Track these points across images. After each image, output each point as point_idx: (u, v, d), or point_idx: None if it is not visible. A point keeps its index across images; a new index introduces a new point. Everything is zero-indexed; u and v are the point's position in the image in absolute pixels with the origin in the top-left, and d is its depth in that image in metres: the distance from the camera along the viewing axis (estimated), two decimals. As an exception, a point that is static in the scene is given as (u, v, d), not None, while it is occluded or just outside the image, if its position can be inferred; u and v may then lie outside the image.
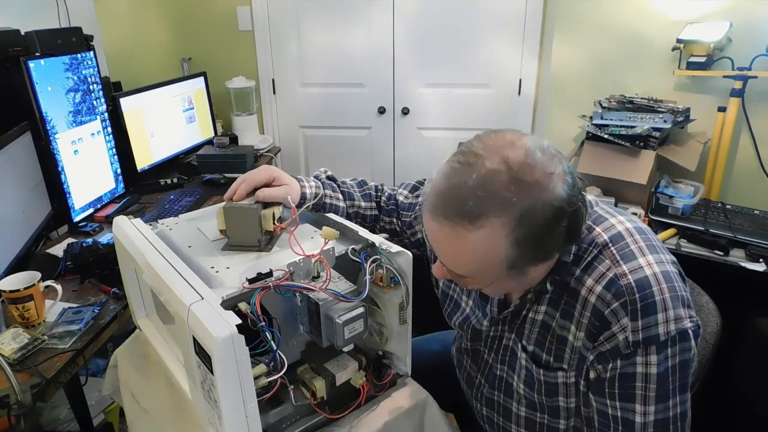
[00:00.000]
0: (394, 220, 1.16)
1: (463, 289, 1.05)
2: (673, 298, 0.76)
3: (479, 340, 1.04)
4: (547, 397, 0.92)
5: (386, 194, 1.17)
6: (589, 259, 0.81)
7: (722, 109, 1.99)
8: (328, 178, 1.16)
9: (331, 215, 1.06)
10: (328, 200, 1.11)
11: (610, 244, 0.81)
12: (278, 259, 0.91)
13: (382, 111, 2.88)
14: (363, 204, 1.15)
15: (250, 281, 0.83)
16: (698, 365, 1.11)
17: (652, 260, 0.78)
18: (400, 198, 1.16)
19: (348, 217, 1.13)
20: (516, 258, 0.75)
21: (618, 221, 0.84)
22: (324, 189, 1.10)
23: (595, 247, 0.81)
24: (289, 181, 1.03)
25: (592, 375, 0.83)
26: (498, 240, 0.72)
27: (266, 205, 0.97)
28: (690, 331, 0.76)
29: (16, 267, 1.40)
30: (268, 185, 1.00)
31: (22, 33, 1.65)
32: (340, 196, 1.13)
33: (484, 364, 1.04)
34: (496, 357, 1.00)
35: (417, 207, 1.12)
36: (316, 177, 1.14)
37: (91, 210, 1.84)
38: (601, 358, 0.80)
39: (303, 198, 1.06)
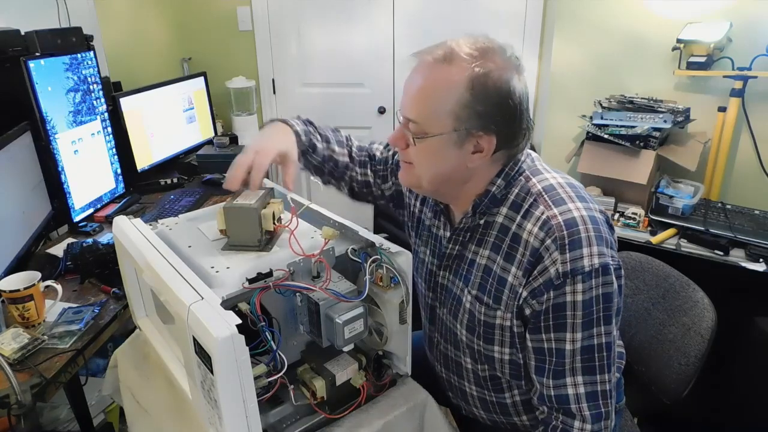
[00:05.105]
0: (368, 171, 1.22)
1: (420, 237, 1.13)
2: (597, 237, 0.87)
3: (434, 290, 1.09)
4: (485, 343, 1.00)
5: (356, 145, 1.24)
6: (526, 207, 0.92)
7: (722, 109, 1.98)
8: (304, 122, 1.18)
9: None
10: (311, 136, 1.15)
11: (543, 193, 0.92)
12: (278, 259, 0.91)
13: (382, 111, 2.88)
14: (337, 149, 1.18)
15: (250, 281, 0.83)
16: (703, 356, 1.11)
17: (580, 206, 0.90)
18: (376, 153, 1.22)
19: (323, 159, 1.17)
20: (465, 106, 0.86)
21: (552, 176, 0.95)
22: (308, 126, 1.16)
23: (530, 196, 0.93)
24: (287, 145, 1.05)
25: (527, 311, 0.91)
26: (461, 78, 0.86)
27: (266, 204, 0.97)
28: (611, 267, 0.87)
29: (16, 267, 1.40)
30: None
31: (22, 33, 1.65)
32: (319, 137, 1.15)
33: (438, 319, 1.10)
34: (444, 309, 1.07)
35: (391, 161, 1.20)
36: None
37: (91, 210, 1.83)
38: (536, 292, 0.89)
39: (298, 137, 1.10)
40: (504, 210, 0.95)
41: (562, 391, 0.90)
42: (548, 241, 0.87)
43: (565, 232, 0.86)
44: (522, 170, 0.96)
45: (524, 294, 0.91)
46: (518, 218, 0.93)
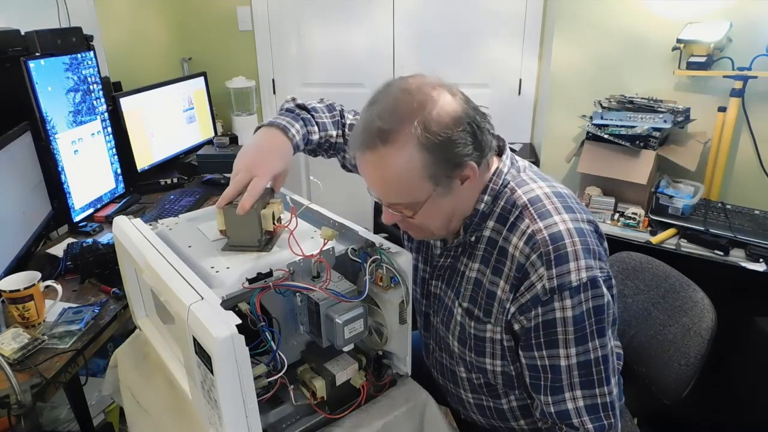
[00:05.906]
0: None
1: (412, 241, 1.12)
2: (584, 250, 0.85)
3: (427, 298, 1.09)
4: (476, 355, 0.99)
5: (348, 124, 1.17)
6: (512, 219, 0.91)
7: (722, 109, 1.98)
8: (299, 107, 1.12)
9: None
10: (309, 136, 1.10)
11: (528, 205, 0.90)
12: (278, 259, 0.91)
13: (382, 111, 2.87)
14: (333, 132, 1.14)
15: (250, 281, 0.83)
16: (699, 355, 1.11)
17: (566, 218, 0.87)
18: None
19: (318, 145, 1.13)
20: (431, 165, 0.84)
21: (538, 186, 0.93)
22: (306, 126, 1.08)
23: (516, 208, 0.91)
24: (284, 165, 1.00)
25: (516, 327, 0.91)
26: (410, 149, 0.83)
27: (266, 205, 0.97)
28: (600, 279, 0.85)
29: (16, 267, 1.40)
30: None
31: (22, 33, 1.65)
32: (315, 129, 1.10)
33: (432, 327, 1.10)
34: (437, 318, 1.07)
35: None
36: (287, 110, 1.10)
37: (91, 210, 1.83)
38: (523, 308, 0.88)
39: (297, 148, 1.05)
40: (491, 223, 0.94)
41: (562, 406, 0.89)
42: (534, 257, 0.86)
43: (550, 247, 0.84)
44: (506, 182, 0.94)
45: (512, 309, 0.90)
46: (504, 231, 0.91)
